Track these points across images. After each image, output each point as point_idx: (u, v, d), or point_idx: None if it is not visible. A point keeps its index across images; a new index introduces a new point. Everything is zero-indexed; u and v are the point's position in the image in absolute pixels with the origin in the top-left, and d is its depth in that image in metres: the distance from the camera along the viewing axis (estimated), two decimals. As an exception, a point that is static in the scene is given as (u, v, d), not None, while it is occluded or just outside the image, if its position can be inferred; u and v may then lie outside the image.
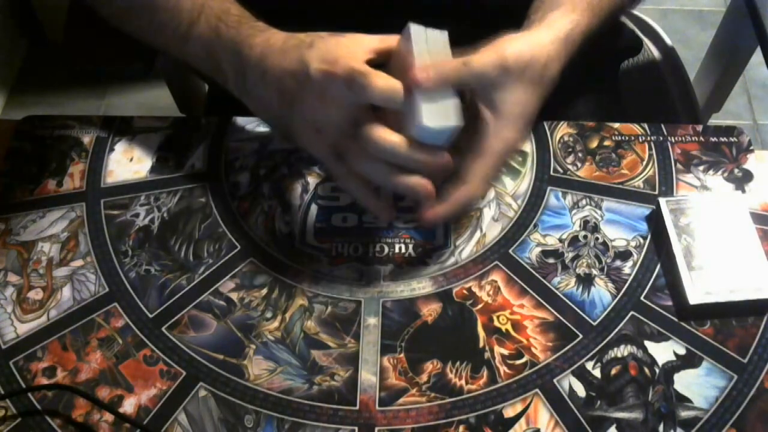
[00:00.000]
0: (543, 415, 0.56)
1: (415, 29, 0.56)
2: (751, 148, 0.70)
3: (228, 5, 0.63)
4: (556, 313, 0.61)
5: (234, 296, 0.62)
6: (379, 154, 0.56)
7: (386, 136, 0.55)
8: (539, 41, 0.58)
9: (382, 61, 0.57)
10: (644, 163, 0.69)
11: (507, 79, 0.56)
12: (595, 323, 0.60)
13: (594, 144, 0.70)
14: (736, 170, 0.68)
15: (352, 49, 0.56)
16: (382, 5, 0.65)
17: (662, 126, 0.71)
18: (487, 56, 0.56)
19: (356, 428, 0.55)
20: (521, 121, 0.57)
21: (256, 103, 0.62)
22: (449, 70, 0.56)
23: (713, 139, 0.70)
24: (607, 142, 0.70)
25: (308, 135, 0.59)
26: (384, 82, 0.54)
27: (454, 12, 0.66)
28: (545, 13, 0.61)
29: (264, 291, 0.62)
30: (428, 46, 0.56)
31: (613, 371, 0.58)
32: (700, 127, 0.71)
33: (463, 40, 0.58)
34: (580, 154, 0.70)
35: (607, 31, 0.65)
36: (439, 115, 0.54)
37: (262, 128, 0.71)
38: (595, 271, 0.63)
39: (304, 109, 0.57)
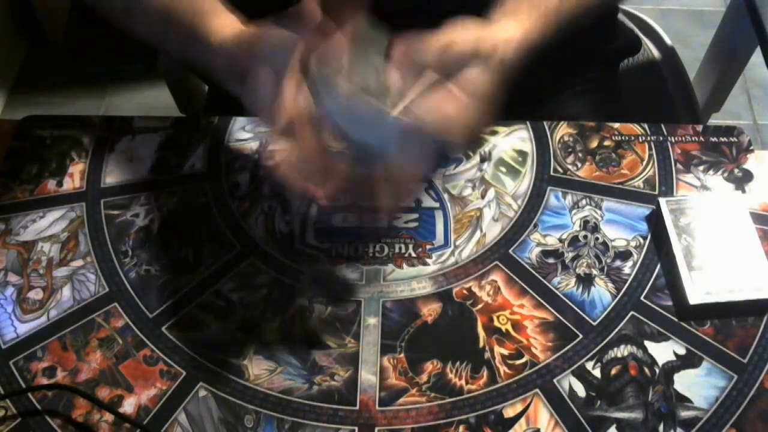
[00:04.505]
0: (543, 415, 0.56)
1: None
2: (751, 148, 0.70)
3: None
4: (556, 313, 0.61)
5: (234, 296, 0.62)
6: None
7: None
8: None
9: None
10: (644, 163, 0.69)
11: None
12: (595, 323, 0.60)
13: (594, 144, 0.70)
14: (736, 170, 0.68)
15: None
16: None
17: (662, 126, 0.71)
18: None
19: (356, 428, 0.55)
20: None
21: None
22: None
23: (713, 139, 0.70)
24: (607, 142, 0.70)
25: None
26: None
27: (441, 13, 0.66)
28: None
29: (264, 291, 0.62)
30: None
31: (613, 371, 0.58)
32: (700, 127, 0.71)
33: None
34: (580, 154, 0.70)
35: (606, 30, 0.65)
36: None
37: (262, 128, 0.71)
38: (595, 271, 0.63)
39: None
